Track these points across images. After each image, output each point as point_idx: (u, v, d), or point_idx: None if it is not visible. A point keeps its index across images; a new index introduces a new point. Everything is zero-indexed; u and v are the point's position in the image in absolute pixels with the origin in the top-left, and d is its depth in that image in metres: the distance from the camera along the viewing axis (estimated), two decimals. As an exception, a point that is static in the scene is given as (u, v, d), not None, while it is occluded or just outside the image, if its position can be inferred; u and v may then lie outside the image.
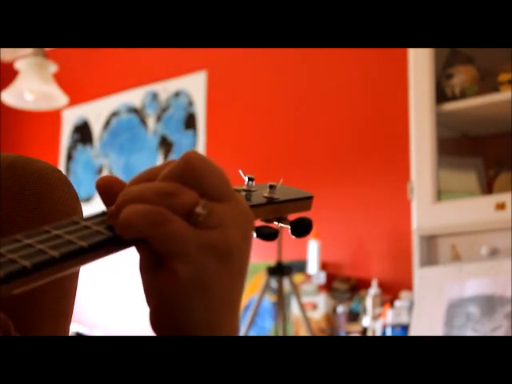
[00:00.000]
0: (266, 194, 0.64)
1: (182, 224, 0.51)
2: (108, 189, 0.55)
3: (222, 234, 0.52)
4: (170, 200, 0.52)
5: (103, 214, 0.54)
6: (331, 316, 3.12)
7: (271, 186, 0.64)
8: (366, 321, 2.92)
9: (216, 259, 0.52)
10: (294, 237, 0.65)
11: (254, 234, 0.63)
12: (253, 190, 0.64)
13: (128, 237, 0.51)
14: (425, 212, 2.65)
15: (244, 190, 0.64)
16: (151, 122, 4.15)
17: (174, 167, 0.54)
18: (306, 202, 0.67)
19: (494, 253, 2.56)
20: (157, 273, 0.52)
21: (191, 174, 0.53)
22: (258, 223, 0.64)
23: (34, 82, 3.55)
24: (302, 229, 0.65)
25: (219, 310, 0.54)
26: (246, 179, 0.64)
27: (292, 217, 0.66)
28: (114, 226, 0.52)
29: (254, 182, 0.65)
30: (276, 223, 0.66)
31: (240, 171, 0.65)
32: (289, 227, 0.65)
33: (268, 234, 0.63)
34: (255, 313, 2.88)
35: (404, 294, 2.86)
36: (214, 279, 0.52)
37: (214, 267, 0.52)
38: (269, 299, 3.29)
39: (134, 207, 0.51)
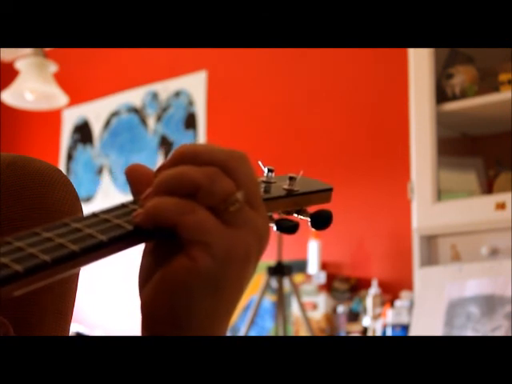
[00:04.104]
0: (285, 186, 0.63)
1: (210, 215, 0.52)
2: (137, 176, 0.55)
3: (246, 237, 0.53)
4: (215, 177, 0.52)
5: (122, 206, 0.53)
6: (331, 316, 3.12)
7: (291, 178, 0.63)
8: (366, 321, 2.92)
9: (236, 260, 0.52)
10: (314, 229, 0.65)
11: (274, 227, 0.63)
12: (272, 182, 0.63)
13: (155, 225, 0.51)
14: (425, 212, 2.65)
15: (263, 182, 0.63)
16: (151, 121, 4.15)
17: (216, 155, 0.54)
18: (325, 193, 0.66)
19: (493, 253, 2.56)
20: (170, 257, 0.52)
21: (233, 168, 0.53)
22: (278, 216, 0.64)
23: (34, 82, 3.55)
24: (322, 221, 0.64)
25: (220, 313, 0.54)
26: (266, 170, 0.64)
27: (311, 209, 0.65)
28: (141, 214, 0.51)
29: (273, 174, 0.63)
30: (296, 215, 0.65)
31: (259, 162, 0.65)
32: (309, 220, 0.64)
33: (288, 227, 0.63)
34: (255, 313, 2.88)
35: (404, 294, 2.86)
36: (228, 280, 0.52)
37: (232, 267, 0.52)
38: (269, 299, 3.29)
39: (162, 197, 0.51)
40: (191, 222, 0.51)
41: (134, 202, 0.54)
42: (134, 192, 0.55)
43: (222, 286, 0.52)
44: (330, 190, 0.66)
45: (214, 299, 0.52)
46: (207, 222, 0.51)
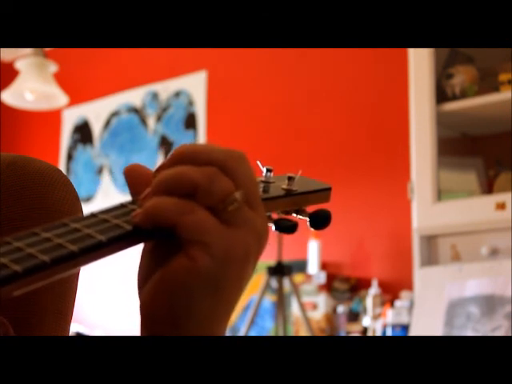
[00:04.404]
0: (284, 186, 0.63)
1: (209, 215, 0.52)
2: (135, 176, 0.55)
3: (245, 237, 0.52)
4: (214, 177, 0.52)
5: (121, 206, 0.53)
6: (331, 316, 3.12)
7: (290, 178, 0.63)
8: (366, 321, 2.92)
9: (236, 260, 0.52)
10: (312, 229, 0.65)
11: (273, 227, 0.62)
12: (271, 182, 0.63)
13: (154, 225, 0.51)
14: (425, 212, 2.65)
15: (262, 182, 0.63)
16: (151, 121, 4.15)
17: (215, 155, 0.54)
18: (324, 193, 0.66)
19: (494, 253, 2.56)
20: (169, 257, 0.52)
21: (232, 168, 0.53)
22: (277, 216, 0.64)
23: (34, 82, 3.55)
24: (321, 221, 0.64)
25: (219, 313, 0.53)
26: (264, 170, 0.63)
27: (310, 208, 0.65)
28: (140, 214, 0.51)
29: (272, 173, 0.63)
30: (294, 215, 0.64)
31: (258, 162, 0.65)
32: (307, 219, 0.64)
33: (287, 227, 0.62)
34: (255, 313, 2.88)
35: (404, 294, 2.86)
36: (227, 280, 0.52)
37: (232, 267, 0.52)
38: (269, 299, 3.29)
39: (161, 197, 0.51)
40: (190, 221, 0.51)
41: (132, 202, 0.54)
42: (133, 192, 0.55)
43: (221, 286, 0.52)
44: (329, 189, 0.66)
45: (213, 299, 0.52)
46: (206, 222, 0.51)
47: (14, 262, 0.46)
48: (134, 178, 0.55)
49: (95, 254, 0.50)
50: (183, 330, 0.52)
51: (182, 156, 0.54)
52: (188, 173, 0.52)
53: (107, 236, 0.50)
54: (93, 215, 0.52)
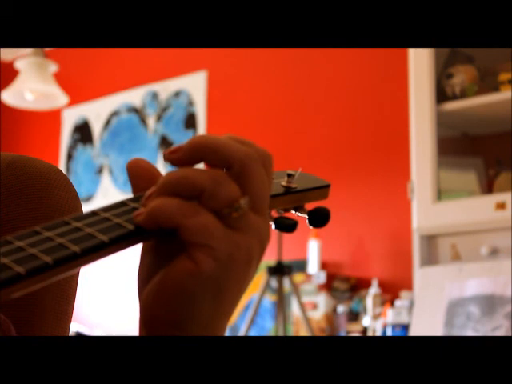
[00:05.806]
0: (283, 183, 0.63)
1: (214, 219, 0.51)
2: (138, 171, 0.55)
3: (248, 241, 0.52)
4: (221, 181, 0.52)
5: (121, 204, 0.53)
6: (331, 316, 3.12)
7: (289, 175, 0.62)
8: (366, 320, 2.92)
9: (239, 264, 0.52)
10: (311, 227, 0.64)
11: (273, 226, 0.62)
12: None
13: (157, 226, 0.51)
14: (425, 212, 2.65)
15: None
16: (151, 121, 4.15)
17: (234, 154, 0.53)
18: (323, 190, 0.65)
19: (494, 253, 2.56)
20: (170, 257, 0.52)
21: (246, 172, 0.53)
22: (276, 214, 0.63)
23: (34, 82, 3.55)
24: (320, 219, 0.63)
25: (220, 315, 0.53)
26: None
27: (308, 206, 0.64)
28: (143, 214, 0.51)
29: None
30: (293, 212, 0.64)
31: None
32: (306, 217, 0.64)
33: (287, 226, 0.62)
34: (255, 312, 2.88)
35: (404, 294, 2.86)
36: (229, 283, 0.52)
37: (235, 271, 0.52)
38: (269, 299, 3.29)
39: (165, 198, 0.51)
40: (194, 224, 0.50)
41: (133, 200, 0.54)
42: (134, 187, 0.55)
43: (223, 289, 0.52)
44: (328, 186, 0.66)
45: (214, 301, 0.52)
46: (210, 226, 0.51)
47: (17, 263, 0.45)
48: (137, 173, 0.55)
49: (97, 254, 0.49)
50: (184, 331, 0.52)
51: (201, 147, 0.53)
52: (194, 175, 0.52)
53: (109, 236, 0.49)
54: (94, 213, 0.52)
